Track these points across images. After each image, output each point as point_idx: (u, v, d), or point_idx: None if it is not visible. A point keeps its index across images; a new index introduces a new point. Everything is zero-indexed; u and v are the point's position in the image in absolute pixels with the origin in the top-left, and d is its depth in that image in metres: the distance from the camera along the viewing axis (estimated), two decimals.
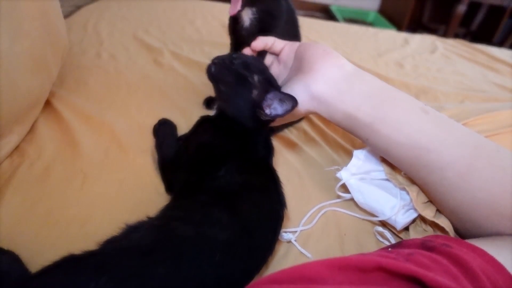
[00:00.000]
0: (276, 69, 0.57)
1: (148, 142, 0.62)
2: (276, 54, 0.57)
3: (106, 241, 0.37)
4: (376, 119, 0.45)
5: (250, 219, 0.41)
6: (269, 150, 0.54)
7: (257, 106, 0.49)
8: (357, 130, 0.48)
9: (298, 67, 0.52)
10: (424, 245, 0.37)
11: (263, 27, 0.63)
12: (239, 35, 0.66)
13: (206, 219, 0.40)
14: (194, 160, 0.50)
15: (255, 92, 0.49)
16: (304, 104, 0.48)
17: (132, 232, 0.39)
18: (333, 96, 0.47)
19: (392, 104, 0.46)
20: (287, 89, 0.50)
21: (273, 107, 0.49)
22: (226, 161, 0.48)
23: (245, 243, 0.39)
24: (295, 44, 0.55)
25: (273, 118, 0.49)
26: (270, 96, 0.49)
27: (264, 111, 0.49)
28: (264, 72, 0.51)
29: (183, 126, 0.65)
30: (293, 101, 0.47)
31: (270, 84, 0.50)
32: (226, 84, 0.51)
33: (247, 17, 0.63)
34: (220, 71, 0.51)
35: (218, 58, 0.52)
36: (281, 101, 0.48)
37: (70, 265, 0.34)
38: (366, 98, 0.46)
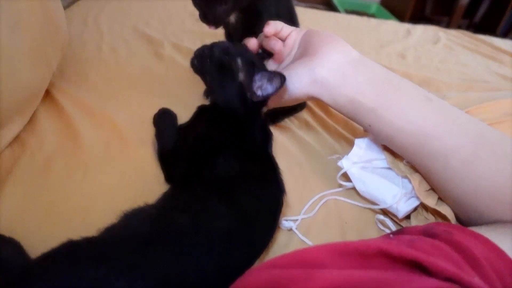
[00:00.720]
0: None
1: (149, 133, 0.62)
2: (283, 40, 0.57)
3: (105, 229, 0.37)
4: (380, 105, 0.45)
5: (248, 206, 0.41)
6: (267, 138, 0.54)
7: (247, 89, 0.49)
8: (360, 116, 0.47)
9: (303, 52, 0.52)
10: (426, 232, 0.37)
11: (248, 26, 0.64)
12: (228, 29, 0.69)
13: (204, 208, 0.40)
14: (191, 151, 0.51)
15: (241, 76, 0.50)
16: (306, 87, 0.48)
17: (130, 219, 0.39)
18: (337, 80, 0.47)
19: (396, 91, 0.46)
20: (290, 72, 0.49)
21: (264, 88, 0.49)
22: (223, 150, 0.48)
23: (244, 231, 0.39)
24: (302, 31, 0.55)
25: (265, 98, 0.49)
26: (257, 77, 0.49)
27: (255, 93, 0.49)
28: (247, 54, 0.52)
29: (184, 117, 0.64)
30: (281, 77, 0.47)
31: (255, 66, 0.50)
32: (210, 74, 0.51)
33: (232, 16, 0.65)
34: (202, 62, 0.51)
35: (198, 50, 0.52)
36: (269, 80, 0.48)
37: (70, 252, 0.34)
38: (370, 84, 0.46)
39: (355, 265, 0.28)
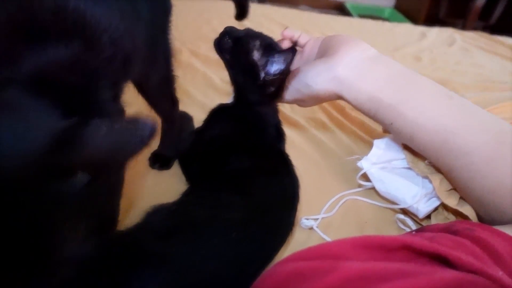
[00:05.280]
0: (299, 62, 0.58)
1: None
2: (301, 47, 0.58)
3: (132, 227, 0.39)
4: (400, 101, 0.46)
5: (263, 199, 0.43)
6: (280, 136, 0.56)
7: (261, 68, 0.51)
8: (381, 113, 0.48)
9: (324, 51, 0.53)
10: (448, 229, 0.37)
11: None
12: None
13: (219, 202, 0.42)
14: (207, 150, 0.53)
15: (256, 55, 0.51)
16: (326, 83, 0.49)
17: (152, 216, 0.40)
18: (355, 77, 0.48)
19: (416, 87, 0.46)
20: (309, 69, 0.51)
21: (275, 65, 0.51)
22: (238, 148, 0.51)
23: (260, 222, 0.40)
24: (319, 38, 0.57)
25: (279, 74, 0.51)
26: (273, 58, 0.51)
27: (269, 72, 0.51)
28: (266, 38, 0.54)
29: (201, 119, 0.66)
30: (291, 51, 0.48)
31: (272, 48, 0.52)
32: (229, 52, 0.54)
33: None
34: (223, 42, 0.55)
35: (222, 32, 0.55)
36: (283, 58, 0.50)
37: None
38: (388, 80, 0.47)
39: (379, 258, 0.28)
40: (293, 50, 0.49)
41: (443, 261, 0.28)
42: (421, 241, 0.29)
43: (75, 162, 0.23)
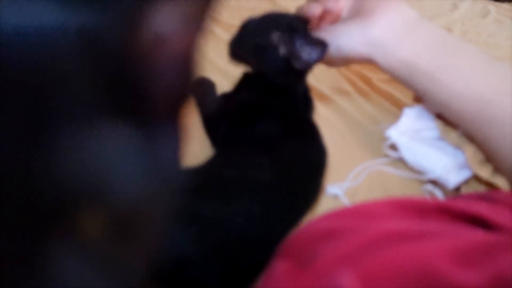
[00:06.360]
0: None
1: (191, 101, 0.63)
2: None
3: None
4: (438, 67, 0.44)
5: (291, 163, 0.43)
6: (309, 105, 0.55)
7: (292, 58, 0.49)
8: (415, 80, 0.46)
9: (357, 10, 0.50)
10: (484, 197, 0.36)
11: None
12: None
13: (248, 163, 0.42)
14: (234, 114, 0.52)
15: (282, 50, 0.49)
16: (358, 47, 0.47)
17: (182, 176, 0.40)
18: (392, 41, 0.45)
19: (456, 53, 0.44)
20: (340, 31, 0.49)
21: (306, 56, 0.48)
22: (266, 113, 0.50)
23: (288, 186, 0.41)
24: None
25: (307, 66, 0.49)
26: (298, 45, 0.48)
27: (296, 60, 0.48)
28: (284, 22, 0.51)
29: (224, 88, 0.65)
30: (324, 45, 0.46)
31: (295, 35, 0.49)
32: (249, 56, 0.52)
33: None
34: (237, 49, 0.52)
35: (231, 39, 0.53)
36: (311, 46, 0.47)
37: None
38: (428, 45, 0.45)
39: (415, 219, 0.28)
40: (324, 45, 0.46)
41: (482, 224, 0.27)
42: (459, 204, 0.28)
43: None
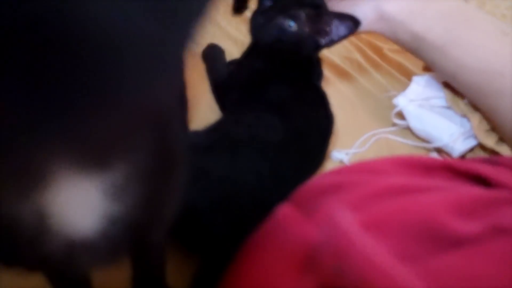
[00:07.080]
0: None
1: (200, 67, 0.63)
2: None
3: None
4: (447, 41, 0.43)
5: (300, 125, 0.44)
6: (318, 73, 0.56)
7: (315, 31, 0.48)
8: (424, 52, 0.46)
9: None
10: (489, 161, 0.36)
11: None
12: None
13: (258, 122, 0.43)
14: (246, 82, 0.53)
15: (307, 28, 0.48)
16: (371, 24, 0.47)
17: (191, 136, 0.42)
18: (404, 16, 0.45)
19: (468, 25, 0.44)
20: (353, 8, 0.48)
21: (334, 31, 0.48)
22: (278, 79, 0.50)
23: (296, 147, 0.42)
24: None
25: (336, 41, 0.49)
26: (325, 20, 0.47)
27: (323, 36, 0.48)
28: (307, 2, 0.49)
29: (234, 54, 0.65)
30: (354, 21, 0.46)
31: (321, 13, 0.48)
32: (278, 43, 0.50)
33: None
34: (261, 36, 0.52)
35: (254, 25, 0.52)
36: (341, 22, 0.47)
37: None
38: (440, 18, 0.44)
39: (418, 175, 0.28)
40: (355, 21, 0.45)
41: (484, 183, 0.28)
42: (462, 162, 0.29)
43: None
